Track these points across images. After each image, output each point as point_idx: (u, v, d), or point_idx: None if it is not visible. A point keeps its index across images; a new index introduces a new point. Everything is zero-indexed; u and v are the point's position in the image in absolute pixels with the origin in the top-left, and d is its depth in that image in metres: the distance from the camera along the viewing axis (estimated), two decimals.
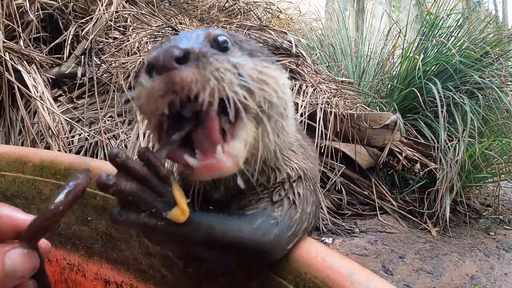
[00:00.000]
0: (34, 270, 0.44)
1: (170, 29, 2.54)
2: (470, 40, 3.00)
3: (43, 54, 2.31)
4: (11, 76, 1.98)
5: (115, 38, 2.61)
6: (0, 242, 0.43)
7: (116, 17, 2.61)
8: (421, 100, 2.64)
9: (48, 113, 1.95)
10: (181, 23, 2.75)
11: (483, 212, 2.77)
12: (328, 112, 2.32)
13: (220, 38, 0.52)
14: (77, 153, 2.02)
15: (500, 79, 2.77)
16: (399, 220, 2.45)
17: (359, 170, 2.50)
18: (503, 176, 2.78)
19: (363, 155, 2.48)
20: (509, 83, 2.96)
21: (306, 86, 2.49)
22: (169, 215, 0.45)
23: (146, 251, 0.79)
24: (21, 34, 2.21)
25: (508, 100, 2.68)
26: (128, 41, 2.55)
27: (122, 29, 2.71)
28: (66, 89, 2.35)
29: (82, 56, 2.36)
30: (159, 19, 2.83)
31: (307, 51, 3.24)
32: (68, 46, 2.35)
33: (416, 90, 2.74)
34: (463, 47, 2.94)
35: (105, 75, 2.36)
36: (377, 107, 3.04)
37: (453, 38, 3.09)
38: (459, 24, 3.17)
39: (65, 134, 2.01)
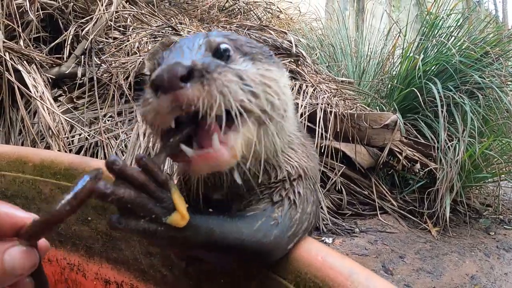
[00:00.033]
0: (33, 267, 0.44)
1: (170, 29, 2.54)
2: (470, 40, 3.00)
3: (43, 54, 2.31)
4: (11, 76, 1.98)
5: (115, 38, 2.61)
6: (0, 240, 0.43)
7: (116, 17, 2.61)
8: (421, 100, 2.64)
9: (48, 113, 1.95)
10: (181, 23, 2.75)
11: (483, 212, 2.77)
12: (328, 112, 2.32)
13: (222, 46, 0.53)
14: (77, 153, 2.02)
15: (500, 79, 2.77)
16: (399, 220, 2.45)
17: (359, 170, 2.50)
18: (503, 176, 2.78)
19: (363, 155, 2.48)
20: (509, 83, 2.96)
21: (306, 86, 2.49)
22: (169, 220, 0.46)
23: (146, 251, 0.79)
24: (21, 34, 2.21)
25: (508, 100, 2.68)
26: (128, 41, 2.55)
27: (122, 29, 2.71)
28: (66, 89, 2.35)
29: (82, 56, 2.36)
30: (159, 19, 2.83)
31: (307, 51, 3.25)
32: (68, 46, 2.35)
33: (416, 90, 2.74)
34: (463, 47, 2.94)
35: (105, 75, 2.36)
36: (377, 107, 3.04)
37: (453, 38, 3.09)
38: (459, 24, 3.17)
39: (65, 134, 2.01)
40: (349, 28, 4.49)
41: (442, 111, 2.55)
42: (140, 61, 2.28)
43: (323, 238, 2.11)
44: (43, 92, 2.02)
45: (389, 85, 3.26)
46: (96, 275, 0.86)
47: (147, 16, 2.85)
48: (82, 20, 2.46)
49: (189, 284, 0.71)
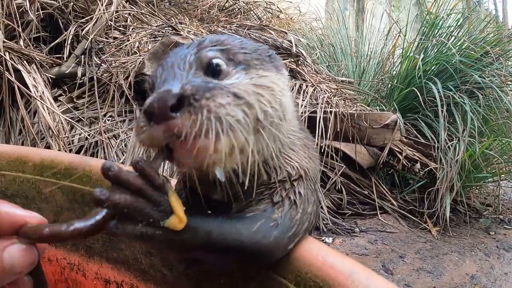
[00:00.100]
0: (32, 265, 0.44)
1: (170, 28, 2.54)
2: (470, 39, 3.00)
3: (43, 53, 2.31)
4: (11, 76, 1.98)
5: (115, 38, 2.61)
6: None
7: (116, 16, 2.61)
8: (421, 100, 2.64)
9: (48, 113, 1.95)
10: (181, 23, 2.75)
11: (483, 212, 2.77)
12: (328, 111, 2.32)
13: (214, 61, 0.53)
14: (77, 152, 2.02)
15: (500, 79, 2.77)
16: (399, 220, 2.45)
17: (359, 170, 2.50)
18: (503, 175, 2.78)
19: (363, 154, 2.48)
20: (509, 82, 2.96)
21: (306, 86, 2.49)
22: (167, 223, 0.46)
23: (146, 251, 0.79)
24: (21, 34, 2.21)
25: (508, 99, 2.68)
26: (128, 40, 2.55)
27: (122, 28, 2.71)
28: (66, 89, 2.35)
29: (82, 56, 2.36)
30: (159, 18, 2.83)
31: (307, 51, 3.25)
32: (68, 45, 2.35)
33: (416, 90, 2.74)
34: (463, 47, 2.94)
35: (105, 74, 2.36)
36: (377, 107, 3.04)
37: (453, 37, 3.09)
38: (459, 23, 3.17)
39: (65, 134, 2.00)
40: (349, 28, 4.49)
41: (442, 111, 2.55)
42: (140, 61, 2.28)
43: (323, 238, 2.11)
44: (43, 92, 2.02)
45: (389, 85, 3.26)
46: (96, 274, 0.86)
47: (147, 15, 2.85)
48: (82, 20, 2.46)
49: (189, 284, 0.71)
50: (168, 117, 0.44)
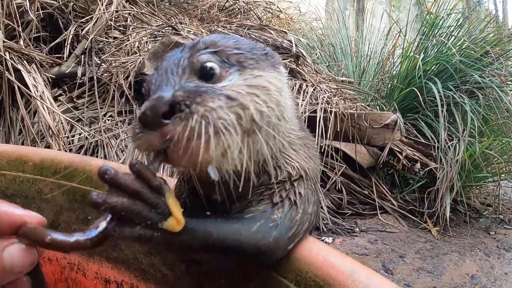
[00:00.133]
0: (32, 265, 0.44)
1: (170, 28, 2.54)
2: (470, 39, 3.00)
3: (43, 53, 2.31)
4: (11, 76, 1.98)
5: (115, 38, 2.61)
6: None
7: (116, 16, 2.61)
8: (421, 100, 2.64)
9: (48, 113, 1.95)
10: (181, 23, 2.75)
11: (483, 212, 2.77)
12: (328, 111, 2.32)
13: (207, 65, 0.53)
14: (77, 152, 2.02)
15: (500, 79, 2.77)
16: (399, 220, 2.45)
17: (359, 170, 2.50)
18: (503, 175, 2.78)
19: (363, 154, 2.48)
20: (509, 82, 2.96)
21: (306, 86, 2.49)
22: (165, 225, 0.46)
23: (146, 250, 0.79)
24: (21, 34, 2.21)
25: (508, 99, 2.68)
26: (128, 40, 2.55)
27: (122, 28, 2.71)
28: (66, 89, 2.35)
29: (82, 56, 2.36)
30: (159, 18, 2.83)
31: (307, 51, 3.25)
32: (68, 45, 2.35)
33: (416, 90, 2.74)
34: (463, 47, 2.94)
35: (105, 74, 2.36)
36: (377, 107, 3.04)
37: (453, 37, 3.09)
38: (459, 23, 3.17)
39: (65, 134, 2.01)
40: (349, 27, 4.48)
41: (442, 111, 2.55)
42: (140, 61, 2.28)
43: (323, 238, 2.11)
44: (43, 92, 2.02)
45: (389, 84, 3.26)
46: (96, 274, 0.86)
47: (147, 15, 2.85)
48: (82, 20, 2.46)
49: (189, 284, 0.71)
50: (161, 123, 0.46)
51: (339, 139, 2.42)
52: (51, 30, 2.50)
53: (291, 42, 2.61)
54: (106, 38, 2.57)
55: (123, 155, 2.01)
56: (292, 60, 2.64)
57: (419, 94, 2.68)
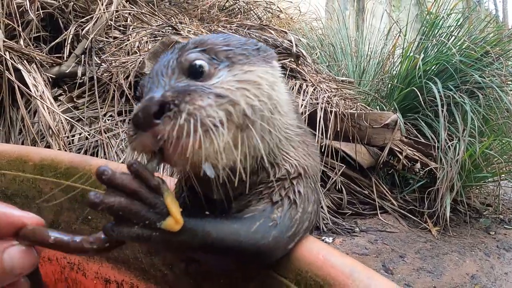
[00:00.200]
0: (32, 267, 0.44)
1: (170, 28, 2.54)
2: (470, 39, 3.00)
3: (43, 53, 2.31)
4: (11, 76, 1.98)
5: (115, 38, 2.61)
6: None
7: (116, 16, 2.60)
8: (421, 100, 2.64)
9: (48, 112, 1.95)
10: (181, 23, 2.75)
11: (483, 212, 2.77)
12: (329, 111, 2.32)
13: (196, 63, 0.53)
14: (77, 152, 2.02)
15: (500, 79, 2.77)
16: (400, 220, 2.45)
17: (359, 170, 2.50)
18: (503, 175, 2.78)
19: (364, 154, 2.48)
20: (510, 82, 2.96)
21: (307, 86, 2.48)
22: (163, 225, 0.46)
23: (146, 250, 0.79)
24: (21, 33, 2.21)
25: (509, 99, 2.68)
26: (128, 40, 2.55)
27: (122, 28, 2.71)
28: (66, 89, 2.35)
29: (82, 56, 2.36)
30: (159, 18, 2.83)
31: (308, 51, 3.24)
32: (68, 45, 2.35)
33: (416, 90, 2.74)
34: (464, 47, 2.94)
35: (105, 74, 2.35)
36: (378, 107, 3.04)
37: (453, 37, 3.09)
38: (459, 23, 3.17)
39: (65, 133, 2.00)
40: (349, 27, 4.48)
41: (442, 111, 2.55)
42: (140, 61, 2.28)
43: (323, 238, 2.11)
44: (43, 92, 2.02)
45: (389, 84, 3.26)
46: (96, 274, 0.86)
47: (147, 15, 2.85)
48: (82, 20, 2.46)
49: (189, 283, 0.71)
50: (152, 124, 0.46)
51: (339, 139, 2.42)
52: (51, 30, 2.50)
53: (291, 42, 2.61)
54: (106, 38, 2.57)
55: (123, 155, 2.01)
56: (292, 60, 2.64)
57: (419, 94, 2.68)
